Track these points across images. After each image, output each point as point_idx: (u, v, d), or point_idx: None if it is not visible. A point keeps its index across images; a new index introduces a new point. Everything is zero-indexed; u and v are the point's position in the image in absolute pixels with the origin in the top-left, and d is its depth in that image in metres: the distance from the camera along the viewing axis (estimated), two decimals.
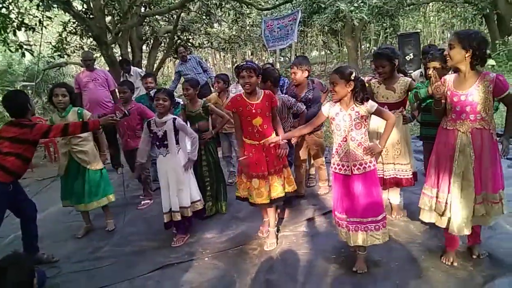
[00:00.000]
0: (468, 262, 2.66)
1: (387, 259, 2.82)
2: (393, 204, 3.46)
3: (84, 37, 10.74)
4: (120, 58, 7.98)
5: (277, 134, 3.12)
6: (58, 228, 4.13)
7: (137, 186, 5.06)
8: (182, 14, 10.72)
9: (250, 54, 21.71)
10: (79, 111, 3.70)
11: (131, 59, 9.28)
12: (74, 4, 8.68)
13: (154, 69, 10.38)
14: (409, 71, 5.02)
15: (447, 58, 2.46)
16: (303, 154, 4.09)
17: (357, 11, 10.22)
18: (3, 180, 2.98)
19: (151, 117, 4.07)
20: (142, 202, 4.55)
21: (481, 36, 2.37)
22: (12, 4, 7.88)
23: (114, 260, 3.33)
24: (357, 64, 15.90)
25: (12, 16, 7.90)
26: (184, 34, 12.17)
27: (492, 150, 2.45)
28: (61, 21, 10.38)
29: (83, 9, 9.13)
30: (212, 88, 6.72)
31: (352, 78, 2.49)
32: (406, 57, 9.42)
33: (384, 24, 16.23)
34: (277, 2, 10.95)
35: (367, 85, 2.89)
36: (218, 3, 10.64)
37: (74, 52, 11.22)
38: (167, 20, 11.92)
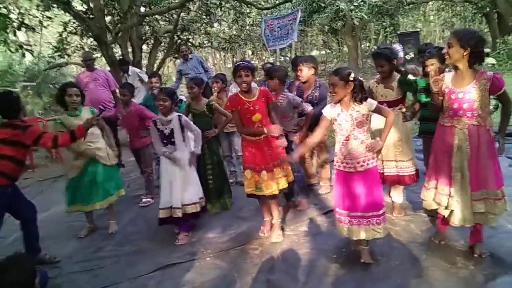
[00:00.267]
0: (469, 261, 2.66)
1: (388, 258, 2.82)
2: (395, 203, 3.48)
3: (84, 37, 10.76)
4: (121, 58, 7.98)
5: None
6: (59, 229, 4.13)
7: (138, 185, 5.07)
8: (182, 14, 10.74)
9: (250, 53, 21.73)
10: (91, 110, 3.72)
11: (131, 59, 9.29)
12: (74, 4, 8.69)
13: (154, 69, 10.39)
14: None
15: (446, 57, 2.53)
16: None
17: (357, 10, 10.24)
18: (1, 183, 2.97)
19: (151, 116, 4.13)
20: (144, 200, 4.57)
21: (479, 35, 2.45)
22: (12, 4, 7.89)
23: (116, 260, 3.34)
24: (357, 63, 15.92)
25: (13, 16, 7.91)
26: (184, 33, 12.18)
27: (490, 146, 2.51)
28: (61, 21, 10.39)
29: (83, 9, 9.15)
30: (212, 89, 6.72)
31: (351, 78, 2.55)
32: (406, 56, 9.43)
33: (384, 23, 16.25)
34: (277, 2, 10.96)
35: (366, 85, 2.96)
36: (218, 3, 10.65)
37: (75, 52, 11.24)
38: (167, 20, 11.94)
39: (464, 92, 2.48)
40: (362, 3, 10.37)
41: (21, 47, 8.03)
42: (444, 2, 15.92)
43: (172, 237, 3.57)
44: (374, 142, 2.64)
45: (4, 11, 7.38)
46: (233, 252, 3.23)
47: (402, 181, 3.30)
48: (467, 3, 14.01)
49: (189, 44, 12.25)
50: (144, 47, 11.95)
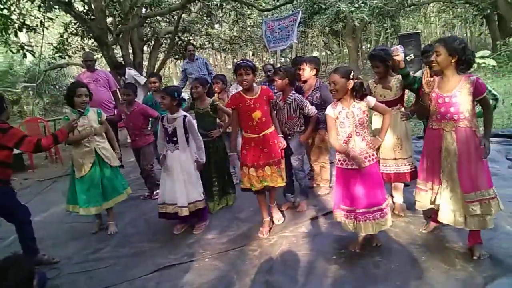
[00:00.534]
0: (468, 263, 2.65)
1: (388, 259, 2.81)
2: (396, 203, 3.50)
3: (85, 38, 10.77)
4: (117, 61, 7.97)
5: (275, 128, 3.40)
6: (58, 230, 4.12)
7: (137, 186, 5.06)
8: (183, 15, 10.74)
9: (251, 55, 21.75)
10: (98, 111, 3.77)
11: (132, 60, 9.30)
12: (75, 5, 8.71)
13: (155, 70, 10.40)
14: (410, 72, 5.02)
15: (434, 64, 2.64)
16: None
17: (357, 11, 10.23)
18: None
19: (154, 115, 4.45)
20: (154, 193, 4.60)
21: (465, 42, 2.57)
22: (14, 5, 7.91)
23: (114, 261, 3.33)
24: (357, 64, 15.93)
25: (14, 17, 7.94)
26: (185, 35, 12.19)
27: (478, 147, 2.57)
28: (62, 22, 10.42)
29: (84, 10, 9.16)
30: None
31: (351, 76, 2.64)
32: (407, 58, 9.42)
33: (385, 25, 16.26)
34: (278, 3, 10.97)
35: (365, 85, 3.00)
36: (219, 4, 10.65)
37: (75, 53, 11.27)
38: (168, 21, 11.95)
39: (451, 97, 2.58)
40: (363, 4, 10.36)
41: (22, 48, 8.05)
42: (445, 3, 15.91)
43: (171, 238, 3.57)
44: (373, 139, 2.79)
45: (6, 12, 7.41)
46: (232, 253, 3.23)
47: (403, 179, 3.33)
48: (468, 5, 14.01)
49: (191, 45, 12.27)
50: (145, 48, 11.97)
